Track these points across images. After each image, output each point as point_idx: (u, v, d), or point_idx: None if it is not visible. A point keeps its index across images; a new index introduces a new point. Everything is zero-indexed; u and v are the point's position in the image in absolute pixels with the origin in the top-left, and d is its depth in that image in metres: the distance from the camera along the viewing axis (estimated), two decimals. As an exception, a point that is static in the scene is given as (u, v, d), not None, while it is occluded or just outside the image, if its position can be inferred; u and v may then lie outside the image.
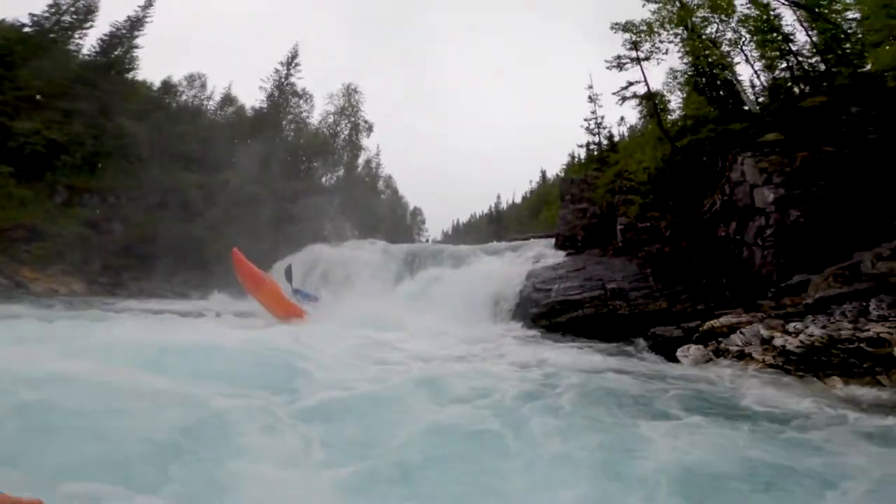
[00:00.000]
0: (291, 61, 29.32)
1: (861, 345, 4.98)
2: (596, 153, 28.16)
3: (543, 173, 59.86)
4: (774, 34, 13.77)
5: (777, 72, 15.09)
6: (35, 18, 27.88)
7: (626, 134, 28.94)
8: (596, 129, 28.34)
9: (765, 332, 5.89)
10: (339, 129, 29.70)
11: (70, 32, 29.16)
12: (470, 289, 13.51)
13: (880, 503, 2.50)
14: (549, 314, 12.14)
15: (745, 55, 16.31)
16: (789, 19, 14.94)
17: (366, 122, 29.91)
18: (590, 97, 28.47)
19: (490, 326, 11.93)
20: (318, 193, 26.10)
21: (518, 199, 66.38)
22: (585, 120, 28.02)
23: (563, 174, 50.66)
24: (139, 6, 29.76)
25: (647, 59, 15.68)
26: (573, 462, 2.93)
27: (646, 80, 16.08)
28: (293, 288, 13.21)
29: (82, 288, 20.28)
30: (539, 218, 40.67)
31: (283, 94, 28.71)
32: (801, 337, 5.38)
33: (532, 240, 19.13)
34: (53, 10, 28.56)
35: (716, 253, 11.99)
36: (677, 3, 16.11)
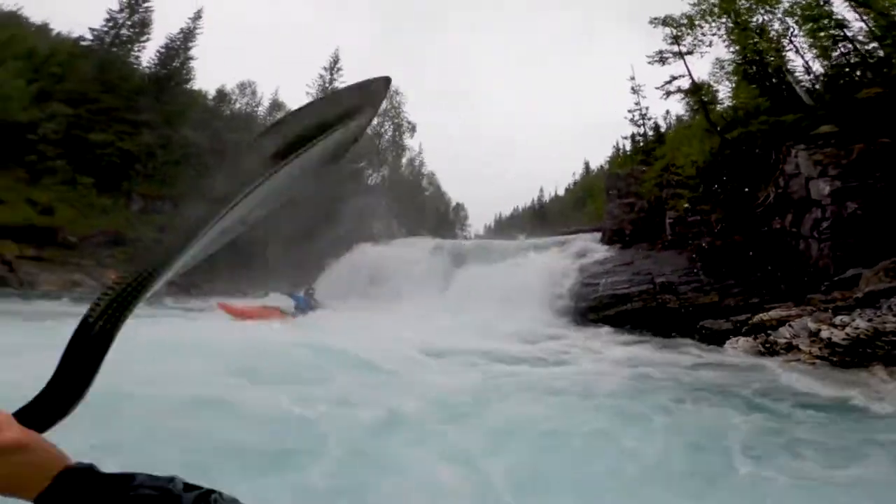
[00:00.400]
0: (334, 66, 30.88)
1: (907, 337, 5.36)
2: (641, 144, 27.89)
3: (587, 164, 59.06)
4: (825, 21, 13.42)
5: (832, 59, 14.63)
6: (95, 33, 30.37)
7: (672, 124, 28.37)
8: (640, 121, 28.06)
9: (812, 325, 6.30)
10: (382, 130, 31.04)
11: (129, 46, 31.70)
12: (519, 285, 14.14)
13: None
14: (597, 308, 12.67)
15: (795, 46, 15.88)
16: (840, 6, 14.43)
17: (409, 122, 31.13)
18: (632, 88, 28.13)
19: (541, 322, 12.55)
20: (365, 193, 27.48)
21: (561, 192, 65.83)
22: (629, 111, 27.78)
23: (607, 166, 49.94)
24: (189, 18, 32.09)
25: (689, 52, 15.65)
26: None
27: (690, 74, 16.12)
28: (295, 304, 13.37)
29: (162, 289, 22.50)
30: (584, 211, 40.44)
31: (328, 97, 30.20)
32: (848, 330, 5.78)
33: (579, 234, 19.45)
34: (111, 25, 31.03)
35: (770, 246, 12.07)
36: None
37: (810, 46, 14.79)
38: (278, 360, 5.28)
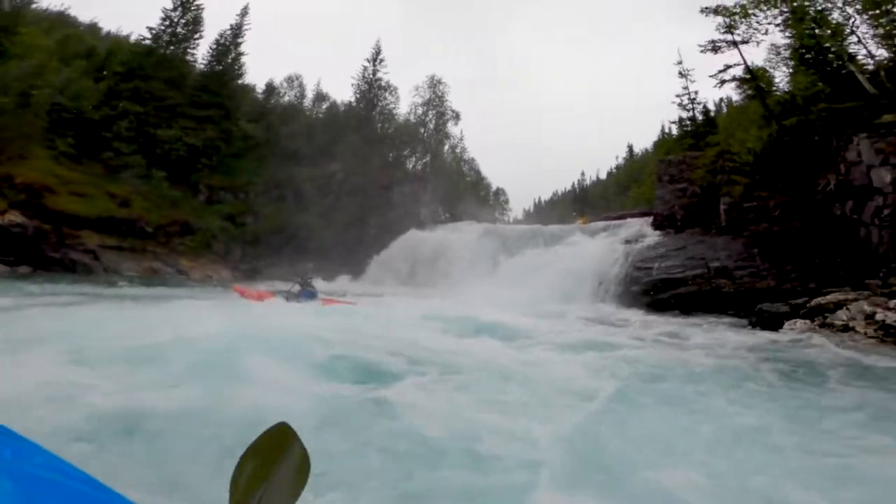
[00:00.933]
0: (376, 57, 31.86)
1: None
2: (690, 129, 27.47)
3: (630, 148, 58.02)
4: (889, 5, 13.13)
5: None
6: (153, 32, 32.25)
7: (724, 109, 27.69)
8: (690, 105, 27.58)
9: (868, 308, 6.86)
10: (427, 119, 31.97)
11: (185, 44, 33.53)
12: (571, 270, 14.87)
13: None
14: (650, 291, 13.32)
15: (857, 35, 15.48)
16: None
17: (453, 111, 31.91)
18: (680, 73, 27.55)
19: (595, 305, 13.33)
20: (412, 181, 28.61)
21: (603, 176, 64.99)
22: (677, 96, 27.31)
23: (651, 150, 49.07)
24: (237, 14, 33.67)
25: (745, 42, 15.59)
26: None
27: (745, 63, 16.06)
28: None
29: (228, 274, 24.62)
30: (629, 195, 40.10)
31: (372, 89, 31.36)
32: (906, 312, 6.35)
33: (628, 219, 19.85)
34: (167, 24, 32.83)
35: (830, 232, 12.28)
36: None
37: (873, 35, 14.48)
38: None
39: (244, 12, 33.47)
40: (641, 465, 2.74)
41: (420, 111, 32.17)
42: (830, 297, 8.15)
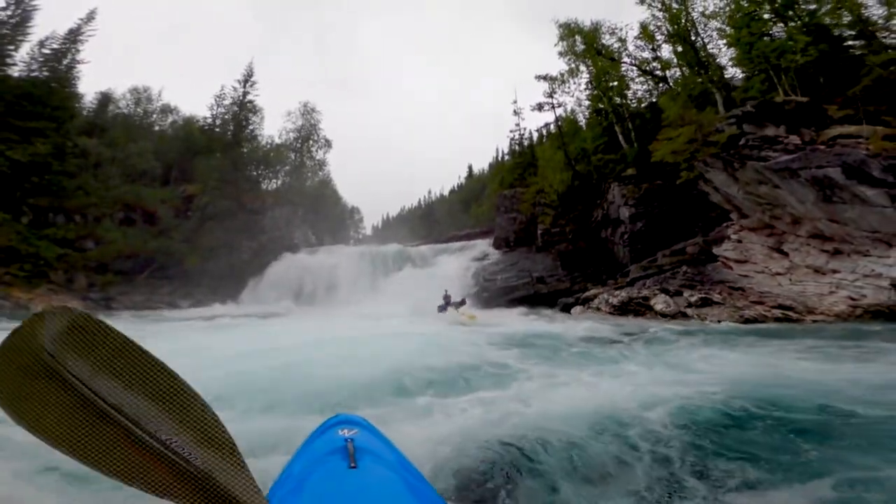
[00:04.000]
0: (248, 79, 32.90)
1: (641, 300, 12.00)
2: (520, 160, 35.35)
3: (470, 168, 67.34)
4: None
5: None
6: None
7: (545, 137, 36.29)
8: (520, 139, 35.62)
9: (606, 296, 12.82)
10: (297, 145, 34.02)
11: (8, 46, 29.61)
12: (440, 284, 19.54)
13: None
14: (497, 296, 18.78)
15: (624, 96, 24.28)
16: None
17: (325, 139, 34.62)
18: (514, 111, 35.48)
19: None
20: (283, 205, 30.47)
21: (446, 193, 73.31)
22: (511, 131, 35.15)
23: (486, 171, 58.68)
24: (81, 19, 31.25)
25: (560, 105, 22.97)
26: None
27: (558, 123, 23.27)
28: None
29: (79, 304, 23.21)
30: (470, 213, 47.27)
31: (242, 111, 32.23)
32: (620, 297, 12.32)
33: (475, 240, 25.66)
34: None
35: (600, 249, 19.32)
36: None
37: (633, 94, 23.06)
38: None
39: (90, 17, 31.02)
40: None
41: (291, 136, 34.13)
42: (591, 292, 14.27)
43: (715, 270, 12.76)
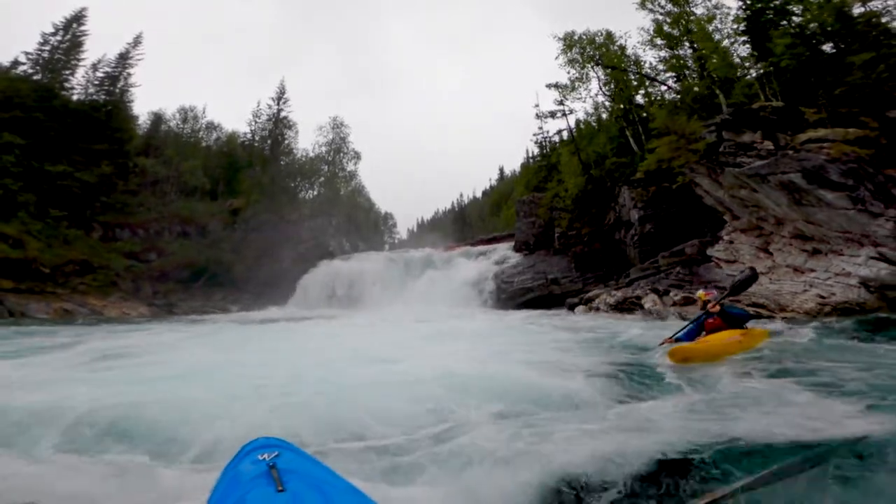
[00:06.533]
0: (281, 96, 36.10)
1: (634, 299, 13.31)
2: (543, 163, 36.60)
3: (501, 170, 68.83)
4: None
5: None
6: (30, 57, 31.93)
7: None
8: (544, 142, 36.88)
9: (605, 296, 14.20)
10: (329, 157, 36.93)
11: (66, 71, 33.64)
12: (462, 286, 21.43)
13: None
14: (513, 297, 20.37)
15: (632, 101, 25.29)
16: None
17: (355, 151, 37.37)
18: (537, 115, 36.79)
19: (482, 309, 19.94)
20: (319, 215, 33.26)
21: (479, 194, 75.12)
22: (534, 134, 36.47)
23: (518, 171, 59.92)
24: (128, 43, 35.21)
25: (571, 112, 24.31)
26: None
27: (570, 129, 24.56)
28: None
29: (147, 311, 26.57)
30: (500, 216, 48.80)
31: (277, 127, 35.41)
32: (616, 297, 13.70)
33: (498, 243, 27.31)
34: (47, 49, 32.79)
35: (613, 251, 20.50)
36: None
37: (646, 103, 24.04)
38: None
39: (137, 41, 34.96)
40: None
41: (323, 150, 37.11)
42: (594, 292, 15.66)
43: (707, 271, 13.89)
